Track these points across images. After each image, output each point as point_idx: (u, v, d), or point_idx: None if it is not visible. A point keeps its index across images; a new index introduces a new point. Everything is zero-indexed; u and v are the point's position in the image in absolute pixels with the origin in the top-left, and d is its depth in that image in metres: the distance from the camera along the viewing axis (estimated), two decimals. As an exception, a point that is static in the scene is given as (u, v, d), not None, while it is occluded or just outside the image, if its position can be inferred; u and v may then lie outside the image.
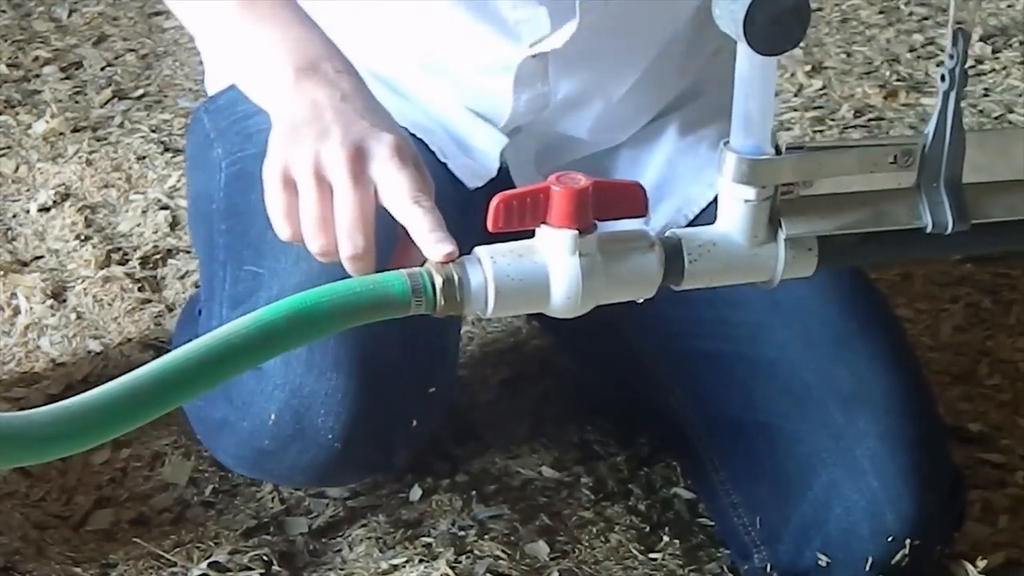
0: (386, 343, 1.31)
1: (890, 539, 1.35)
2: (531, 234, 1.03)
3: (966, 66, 1.01)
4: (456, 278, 1.01)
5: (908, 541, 1.35)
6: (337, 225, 1.12)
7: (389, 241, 1.14)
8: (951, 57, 1.00)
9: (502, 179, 1.42)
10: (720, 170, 1.02)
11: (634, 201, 1.04)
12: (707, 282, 1.06)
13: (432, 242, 1.06)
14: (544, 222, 1.01)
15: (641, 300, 1.06)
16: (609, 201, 1.02)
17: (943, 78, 1.01)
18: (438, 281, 1.01)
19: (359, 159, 1.13)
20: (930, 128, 1.03)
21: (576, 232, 1.01)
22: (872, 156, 1.04)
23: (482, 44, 1.40)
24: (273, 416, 1.32)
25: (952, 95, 1.01)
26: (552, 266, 1.01)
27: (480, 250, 1.03)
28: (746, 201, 1.03)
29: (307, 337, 0.97)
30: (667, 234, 1.05)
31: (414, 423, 1.36)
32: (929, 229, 1.05)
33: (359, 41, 1.40)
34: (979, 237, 1.07)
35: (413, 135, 1.40)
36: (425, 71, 1.44)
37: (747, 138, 1.01)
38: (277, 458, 1.36)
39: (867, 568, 1.36)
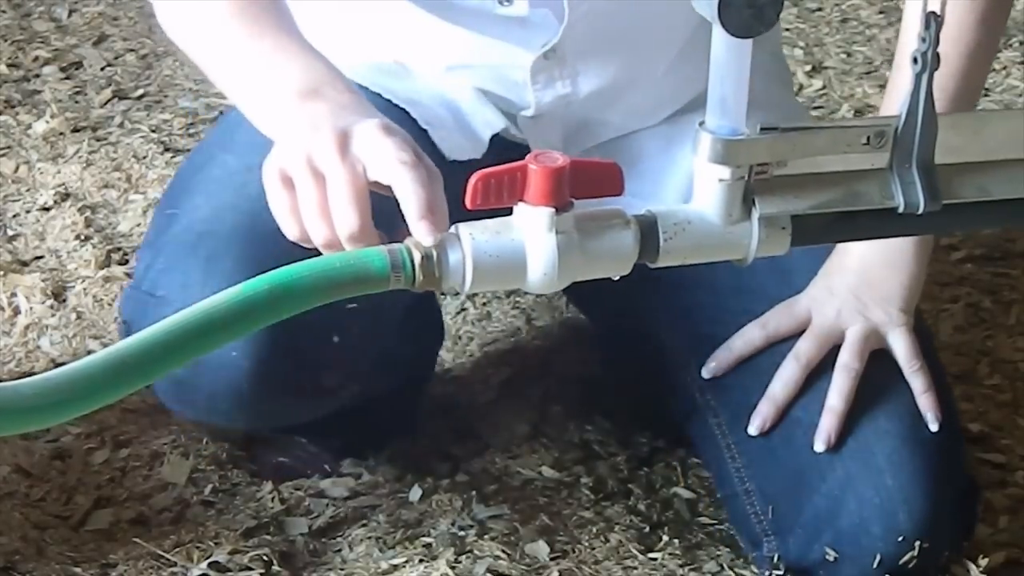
0: (285, 252, 1.19)
1: (901, 539, 1.35)
2: (510, 211, 1.04)
3: (937, 49, 1.02)
4: (435, 254, 1.02)
5: (918, 543, 1.35)
6: (331, 207, 1.12)
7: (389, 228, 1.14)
8: (923, 40, 1.01)
9: (484, 158, 1.42)
10: (695, 150, 1.03)
11: (611, 180, 1.05)
12: (682, 259, 1.07)
13: (415, 219, 1.05)
14: (522, 200, 1.02)
15: (617, 277, 1.07)
16: (586, 180, 1.04)
17: (915, 60, 1.02)
18: (417, 257, 1.02)
19: (345, 141, 1.13)
20: (903, 109, 1.04)
21: (553, 210, 1.02)
22: (845, 137, 1.05)
23: (493, 52, 1.41)
24: None
25: (924, 77, 1.02)
26: (529, 243, 1.03)
27: (459, 227, 1.03)
28: (720, 180, 1.04)
29: (288, 310, 0.98)
30: (643, 212, 1.06)
31: (335, 339, 1.35)
32: (901, 209, 1.06)
33: (377, 42, 1.40)
34: (951, 217, 1.08)
35: (396, 106, 1.40)
36: (448, 71, 1.45)
37: (722, 119, 1.02)
38: (194, 387, 1.36)
39: (875, 566, 1.36)
